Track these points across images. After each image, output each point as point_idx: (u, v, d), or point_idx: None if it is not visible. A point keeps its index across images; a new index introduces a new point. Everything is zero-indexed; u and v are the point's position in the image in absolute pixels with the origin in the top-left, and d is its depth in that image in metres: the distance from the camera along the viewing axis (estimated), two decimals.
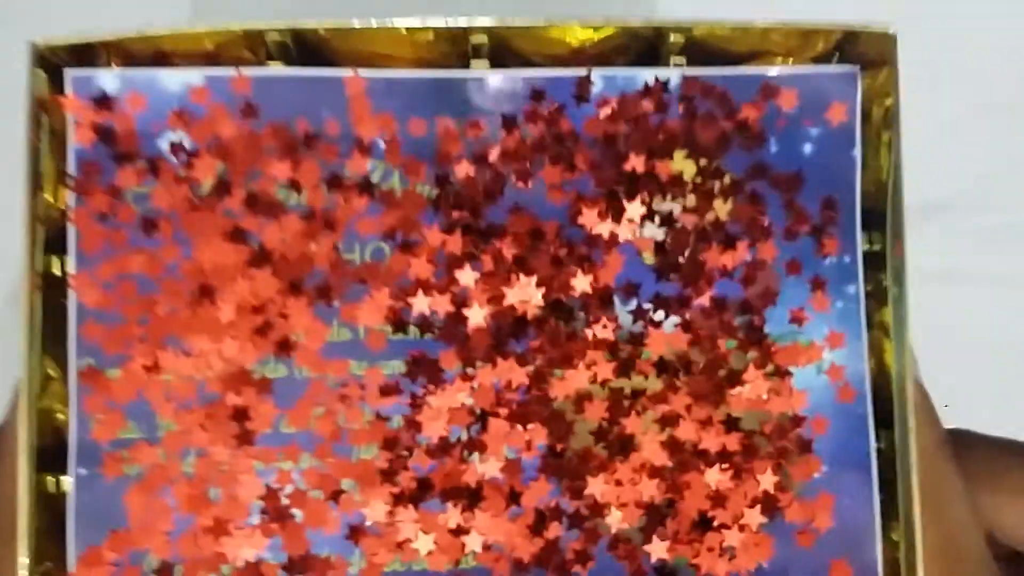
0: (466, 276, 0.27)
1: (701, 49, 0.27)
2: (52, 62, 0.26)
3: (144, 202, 0.26)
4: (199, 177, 0.26)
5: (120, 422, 0.26)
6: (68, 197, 0.27)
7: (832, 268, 0.27)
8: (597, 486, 0.26)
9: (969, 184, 0.41)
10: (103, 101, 0.26)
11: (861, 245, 0.27)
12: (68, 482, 0.26)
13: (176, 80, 0.26)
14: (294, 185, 0.26)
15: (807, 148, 0.27)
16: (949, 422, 0.30)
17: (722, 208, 0.27)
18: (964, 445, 0.28)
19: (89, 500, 0.26)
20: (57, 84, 0.26)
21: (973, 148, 0.41)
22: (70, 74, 0.26)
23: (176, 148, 0.26)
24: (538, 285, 0.27)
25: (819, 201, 0.27)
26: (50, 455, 0.26)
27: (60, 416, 0.26)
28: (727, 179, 0.27)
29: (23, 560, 0.25)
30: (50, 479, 0.26)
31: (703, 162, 0.27)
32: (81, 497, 0.26)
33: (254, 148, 0.26)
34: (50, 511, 0.26)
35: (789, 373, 0.27)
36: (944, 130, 0.40)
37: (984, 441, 0.29)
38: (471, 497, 0.26)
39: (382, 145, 0.27)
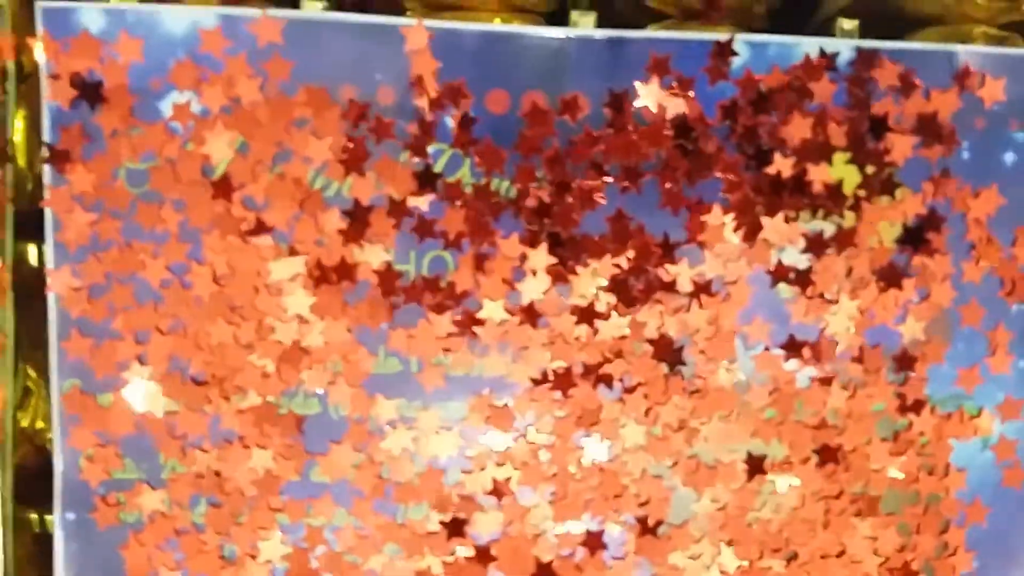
0: (548, 293, 0.21)
1: (871, 6, 0.22)
2: None
3: (142, 183, 0.21)
4: (211, 153, 0.20)
5: (115, 460, 0.21)
6: (44, 172, 0.20)
7: (1020, 318, 0.21)
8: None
9: None
10: (85, 44, 0.20)
11: None
12: (54, 522, 0.21)
13: (182, 20, 0.20)
14: (334, 170, 0.21)
15: (1009, 157, 0.22)
16: None
17: (888, 232, 0.21)
18: None
19: (80, 549, 0.22)
20: (28, 19, 0.21)
21: None
22: (42, 6, 0.20)
23: (181, 112, 0.21)
24: (645, 309, 0.21)
25: (1017, 228, 0.23)
26: (33, 485, 0.21)
27: (43, 435, 0.21)
28: (900, 193, 0.21)
29: None
30: (33, 516, 0.21)
31: (870, 169, 0.20)
32: (71, 545, 0.21)
33: (283, 117, 0.20)
34: (35, 552, 0.21)
35: (948, 447, 0.21)
36: None
37: None
38: (539, 575, 0.21)
39: (450, 123, 0.21)
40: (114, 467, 0.22)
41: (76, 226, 0.21)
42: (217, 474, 0.22)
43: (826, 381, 0.21)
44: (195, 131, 0.20)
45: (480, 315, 0.21)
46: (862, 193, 0.21)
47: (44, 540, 0.21)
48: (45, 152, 0.20)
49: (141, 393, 0.21)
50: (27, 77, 0.21)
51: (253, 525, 0.22)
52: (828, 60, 0.20)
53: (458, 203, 0.21)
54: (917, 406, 0.21)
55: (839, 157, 0.21)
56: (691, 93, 0.20)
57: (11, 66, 0.20)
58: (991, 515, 0.21)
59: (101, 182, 0.20)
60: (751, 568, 0.21)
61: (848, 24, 0.21)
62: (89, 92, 0.21)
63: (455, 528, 0.22)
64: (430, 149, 0.20)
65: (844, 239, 0.21)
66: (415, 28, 0.21)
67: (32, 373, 0.21)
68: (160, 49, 0.21)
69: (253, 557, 0.22)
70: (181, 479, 0.22)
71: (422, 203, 0.20)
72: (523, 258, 0.21)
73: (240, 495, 0.22)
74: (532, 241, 0.21)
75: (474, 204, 0.21)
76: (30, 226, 0.21)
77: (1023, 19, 0.22)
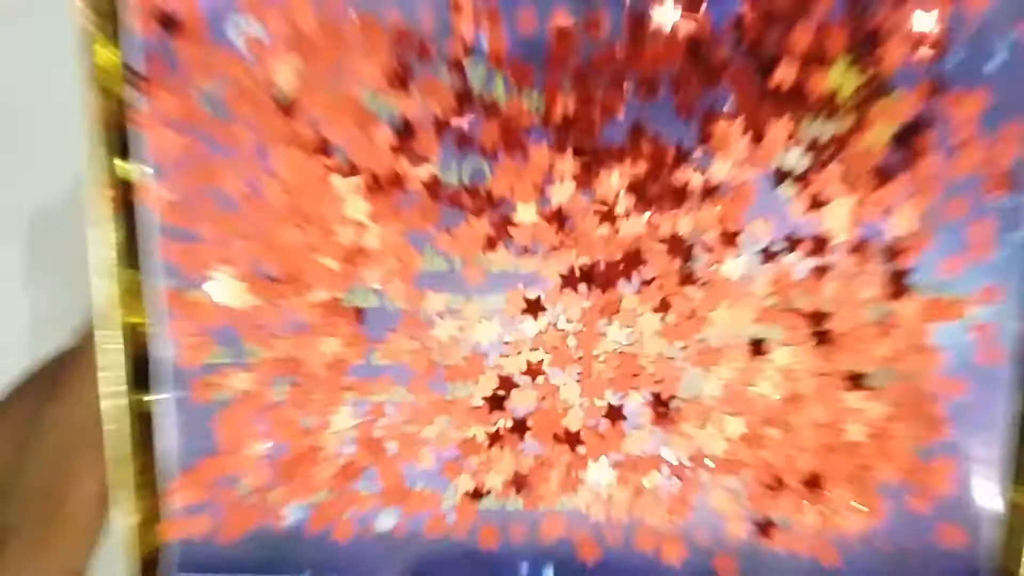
0: (576, 199, 0.21)
1: None
2: None
3: (217, 104, 0.21)
4: (275, 75, 0.20)
5: (208, 347, 0.22)
6: (134, 98, 0.20)
7: (1001, 211, 0.21)
8: (697, 432, 0.22)
9: None
10: None
11: None
12: (156, 401, 0.23)
13: None
14: (383, 88, 0.21)
15: (997, 60, 0.21)
16: None
17: (883, 132, 0.21)
18: None
19: (179, 424, 0.23)
20: None
21: None
22: None
23: (249, 39, 0.20)
24: (656, 212, 0.21)
25: (1001, 127, 0.20)
26: (137, 372, 0.22)
27: (143, 332, 0.22)
28: (891, 96, 0.20)
29: (121, 475, 0.22)
30: (139, 398, 0.22)
31: (866, 73, 0.20)
32: (170, 420, 0.23)
33: (338, 41, 0.20)
34: (140, 433, 0.22)
35: (930, 329, 0.22)
36: None
37: None
38: (572, 438, 0.22)
39: (485, 43, 0.21)
40: (207, 354, 0.22)
41: (162, 144, 0.21)
42: (294, 359, 0.22)
43: (822, 272, 0.21)
44: (261, 54, 0.20)
45: (515, 218, 0.21)
46: (860, 96, 0.20)
47: (144, 419, 0.22)
48: (137, 81, 0.21)
49: (227, 289, 0.22)
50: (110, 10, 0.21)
51: (326, 401, 0.23)
52: None
53: (493, 116, 0.20)
54: (903, 292, 0.21)
55: (840, 63, 0.20)
56: (700, 12, 0.19)
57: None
58: (967, 389, 0.21)
59: (181, 104, 0.21)
60: (751, 434, 0.21)
61: None
62: (165, 20, 0.21)
63: (496, 403, 0.22)
64: (468, 67, 0.20)
65: (841, 141, 0.20)
66: None
67: (130, 275, 0.22)
68: None
69: (327, 428, 0.23)
70: (264, 363, 0.22)
71: (462, 121, 0.20)
72: (551, 166, 0.21)
73: (314, 376, 0.22)
74: (559, 150, 0.21)
75: (507, 117, 0.21)
76: (124, 148, 0.22)
77: None
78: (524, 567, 0.23)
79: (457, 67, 0.21)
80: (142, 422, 0.22)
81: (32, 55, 0.26)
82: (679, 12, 0.20)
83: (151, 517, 0.23)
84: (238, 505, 0.23)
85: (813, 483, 0.22)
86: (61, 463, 0.23)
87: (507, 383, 0.22)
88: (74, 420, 0.23)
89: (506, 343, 0.22)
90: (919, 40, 0.20)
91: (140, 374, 0.22)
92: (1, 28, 0.27)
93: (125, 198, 0.21)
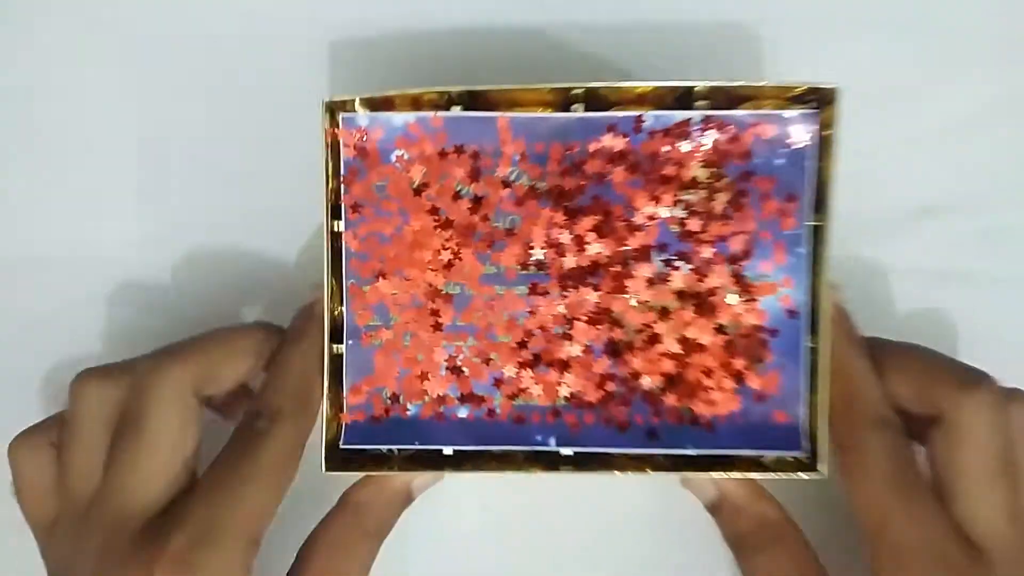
0: (564, 237, 0.30)
1: (718, 96, 0.30)
2: (333, 109, 0.30)
3: (383, 191, 0.30)
4: (413, 176, 0.30)
5: (370, 315, 0.31)
6: (342, 189, 0.30)
7: (789, 236, 0.30)
8: (637, 363, 0.30)
9: (969, 184, 0.35)
10: (360, 132, 0.30)
11: (809, 221, 0.30)
12: (342, 348, 0.31)
13: (400, 119, 0.30)
14: (465, 181, 0.30)
15: (778, 161, 0.30)
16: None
17: (721, 198, 0.30)
18: (879, 346, 0.30)
19: (353, 359, 0.31)
20: (335, 122, 0.30)
21: (974, 148, 0.35)
22: (341, 116, 0.30)
23: (400, 159, 0.30)
24: (606, 244, 0.30)
25: (784, 195, 0.30)
26: (333, 333, 0.31)
27: (337, 312, 0.31)
28: (726, 180, 0.30)
29: (324, 393, 0.30)
30: (335, 346, 0.31)
31: (711, 169, 0.30)
32: (348, 357, 0.31)
33: (444, 160, 0.30)
34: (334, 365, 0.31)
35: (757, 300, 0.31)
36: (946, 131, 0.35)
37: (893, 343, 0.31)
38: (564, 365, 0.31)
39: (517, 158, 0.30)
40: (368, 319, 0.32)
41: (354, 210, 0.31)
42: (415, 321, 0.32)
43: (697, 270, 0.31)
44: (406, 167, 0.30)
45: (532, 247, 0.30)
46: (708, 180, 0.31)
47: (336, 358, 0.31)
48: (342, 179, 0.31)
49: (381, 284, 0.31)
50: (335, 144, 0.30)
51: (431, 344, 0.32)
52: (688, 121, 0.30)
53: (521, 193, 0.30)
54: (740, 280, 0.31)
55: (695, 164, 0.31)
56: (627, 141, 0.28)
57: (330, 142, 0.31)
58: (781, 333, 0.31)
59: (364, 191, 0.31)
60: (661, 357, 0.30)
61: (701, 104, 0.31)
62: (361, 152, 0.31)
63: (522, 346, 0.31)
64: (508, 170, 0.31)
65: (701, 203, 0.30)
66: (501, 117, 0.30)
67: (335, 280, 0.32)
68: (390, 131, 0.30)
69: (431, 359, 0.32)
70: (398, 324, 0.31)
71: (505, 195, 0.31)
72: (551, 218, 0.31)
73: (425, 331, 0.31)
74: (554, 210, 0.30)
75: (528, 194, 0.31)
76: (335, 213, 0.31)
77: (790, 98, 0.31)
78: (538, 437, 0.31)
79: (503, 169, 0.29)
80: (334, 359, 0.31)
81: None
82: (618, 138, 0.30)
83: (337, 410, 0.31)
84: (382, 404, 0.31)
85: (697, 383, 0.31)
86: (305, 373, 0.30)
87: (528, 335, 0.30)
88: (312, 351, 0.30)
89: (528, 312, 0.30)
90: (739, 153, 0.30)
91: (335, 332, 0.30)
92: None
93: (335, 238, 0.30)
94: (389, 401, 0.31)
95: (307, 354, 0.30)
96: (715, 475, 0.30)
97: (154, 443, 0.28)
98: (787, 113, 0.30)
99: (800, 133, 0.30)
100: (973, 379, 0.28)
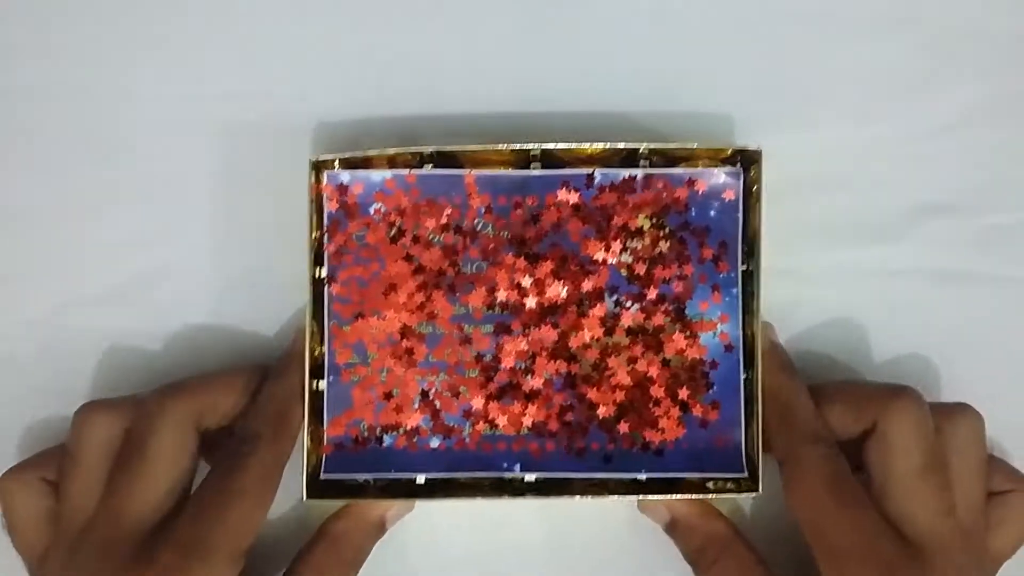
0: (526, 281, 0.33)
1: (659, 156, 0.33)
2: (318, 167, 0.33)
3: (362, 240, 0.33)
4: (389, 227, 0.33)
5: (349, 354, 0.33)
6: (325, 238, 0.33)
7: (724, 279, 0.33)
8: (593, 394, 0.33)
9: (969, 184, 0.35)
10: (342, 187, 0.33)
11: (740, 267, 0.33)
12: (323, 384, 0.33)
13: (378, 176, 0.33)
14: (436, 231, 0.33)
15: (712, 213, 0.33)
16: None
17: (663, 246, 0.34)
18: (817, 388, 0.32)
19: (333, 394, 0.33)
20: (319, 178, 0.33)
21: (974, 148, 0.35)
22: (325, 173, 0.33)
23: (377, 211, 0.33)
24: (564, 287, 0.33)
25: (718, 243, 0.33)
26: (314, 370, 0.33)
27: (318, 351, 0.33)
28: (667, 229, 0.33)
29: (304, 426, 0.32)
30: (317, 382, 0.33)
31: (654, 220, 0.33)
32: (329, 392, 0.33)
33: (417, 212, 0.33)
34: (315, 400, 0.33)
35: (698, 336, 0.33)
36: (944, 131, 0.35)
37: (830, 383, 0.33)
38: (527, 397, 0.33)
39: (483, 210, 0.33)
40: (347, 357, 0.34)
41: (336, 257, 0.34)
42: (390, 358, 0.34)
43: (643, 310, 0.33)
44: (383, 218, 0.33)
45: (498, 289, 0.32)
46: (651, 230, 0.34)
47: (318, 394, 0.33)
48: (325, 230, 0.33)
49: (359, 325, 0.33)
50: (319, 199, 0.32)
51: (405, 380, 0.33)
52: (632, 178, 0.33)
53: (486, 242, 0.33)
54: (682, 319, 0.34)
55: (641, 215, 0.34)
56: (579, 195, 0.31)
57: (315, 197, 0.33)
58: (720, 365, 0.34)
59: (345, 240, 0.33)
60: (613, 388, 0.33)
61: (644, 163, 0.34)
62: (343, 205, 0.33)
63: (488, 379, 0.33)
64: (475, 220, 0.34)
65: (645, 248, 0.33)
66: (469, 174, 0.33)
67: (316, 324, 0.34)
68: (369, 187, 0.33)
69: (406, 395, 0.34)
70: (375, 361, 0.34)
71: (472, 245, 0.34)
72: (513, 263, 0.33)
73: (399, 367, 0.34)
74: (517, 256, 0.33)
75: (493, 242, 0.33)
76: (318, 259, 0.33)
77: (721, 159, 0.34)
78: (504, 464, 0.33)
79: (470, 220, 0.32)
80: (316, 395, 0.33)
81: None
82: (572, 193, 0.33)
83: (318, 443, 0.33)
84: (360, 435, 0.33)
85: (647, 412, 0.33)
86: (284, 402, 0.32)
87: (494, 369, 0.33)
88: (291, 384, 0.32)
89: (494, 349, 0.32)
90: (677, 206, 0.33)
91: (317, 370, 0.32)
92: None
93: (317, 283, 0.32)
94: (366, 433, 0.33)
95: (285, 386, 0.32)
96: (664, 498, 0.32)
97: (153, 471, 0.29)
98: (718, 171, 0.33)
99: (731, 188, 0.33)
100: (899, 389, 0.30)
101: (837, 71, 0.33)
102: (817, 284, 0.34)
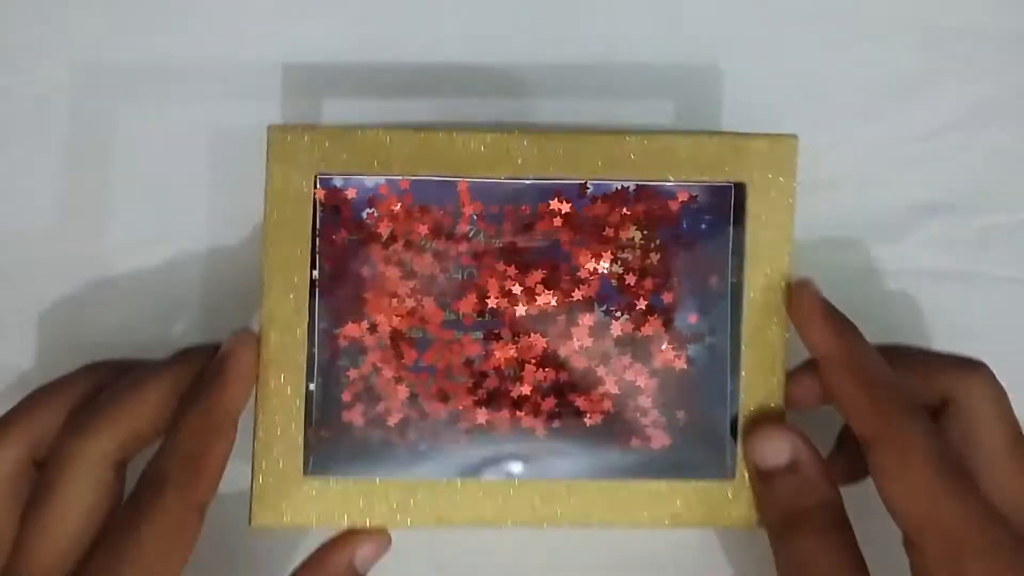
0: (516, 289, 0.33)
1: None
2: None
3: (355, 244, 0.33)
4: (381, 232, 0.33)
5: (339, 356, 0.33)
6: (317, 240, 0.32)
7: (712, 291, 0.34)
8: (580, 402, 0.34)
9: (969, 184, 0.34)
10: (335, 191, 0.33)
11: (730, 278, 0.33)
12: (312, 387, 0.33)
13: (371, 181, 0.33)
14: (428, 237, 0.33)
15: (703, 225, 0.34)
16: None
17: (654, 257, 0.34)
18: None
19: (321, 397, 0.34)
20: (313, 183, 0.32)
21: (974, 148, 0.34)
22: (320, 178, 0.32)
23: (370, 216, 0.33)
24: (554, 296, 0.33)
25: (707, 255, 0.34)
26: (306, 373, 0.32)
27: (309, 353, 0.33)
28: (657, 241, 0.33)
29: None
30: (307, 383, 0.33)
31: (645, 231, 0.34)
32: (317, 395, 0.34)
33: (409, 217, 0.33)
34: (305, 403, 0.33)
35: (686, 347, 0.34)
36: (944, 131, 0.35)
37: (883, 345, 0.30)
38: (515, 404, 0.34)
39: (475, 218, 0.33)
40: (338, 360, 0.34)
41: (328, 261, 0.34)
42: (380, 361, 0.34)
43: (635, 320, 0.34)
44: (375, 223, 0.33)
45: (489, 295, 0.33)
46: (642, 242, 0.35)
47: (309, 395, 0.33)
48: (318, 232, 0.33)
49: (350, 329, 0.34)
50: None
51: (394, 384, 0.34)
52: (625, 189, 0.33)
53: (478, 249, 0.33)
54: (672, 329, 0.35)
55: (632, 227, 0.35)
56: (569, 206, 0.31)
57: (311, 200, 0.32)
58: (704, 374, 0.34)
59: (338, 241, 0.33)
60: (600, 397, 0.33)
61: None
62: (336, 209, 0.33)
63: (478, 385, 0.33)
64: (467, 227, 0.34)
65: (635, 259, 0.34)
66: (461, 181, 0.33)
67: (307, 327, 0.34)
68: (363, 192, 0.33)
69: (394, 397, 0.34)
70: (364, 365, 0.34)
71: (463, 250, 0.34)
72: (504, 271, 0.34)
73: (388, 371, 0.34)
74: (507, 264, 0.33)
75: (485, 249, 0.33)
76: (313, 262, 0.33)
77: (713, 177, 0.33)
78: (492, 468, 0.33)
79: (462, 227, 0.32)
80: (308, 397, 0.32)
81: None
82: (564, 203, 0.33)
83: (308, 444, 0.32)
84: (348, 438, 0.33)
85: (634, 420, 0.34)
86: (201, 434, 0.27)
87: (483, 376, 0.33)
88: (216, 410, 0.28)
89: (484, 355, 0.33)
90: (668, 218, 0.33)
91: (308, 373, 0.32)
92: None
93: (310, 286, 0.32)
94: (355, 435, 0.33)
95: (203, 413, 0.27)
96: (794, 436, 0.29)
97: (63, 519, 0.26)
98: (709, 185, 0.33)
99: (721, 204, 0.33)
100: (974, 362, 0.28)
101: (837, 71, 0.33)
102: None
